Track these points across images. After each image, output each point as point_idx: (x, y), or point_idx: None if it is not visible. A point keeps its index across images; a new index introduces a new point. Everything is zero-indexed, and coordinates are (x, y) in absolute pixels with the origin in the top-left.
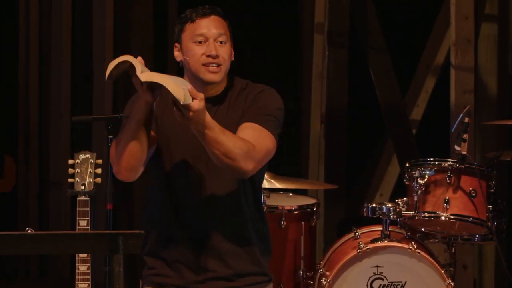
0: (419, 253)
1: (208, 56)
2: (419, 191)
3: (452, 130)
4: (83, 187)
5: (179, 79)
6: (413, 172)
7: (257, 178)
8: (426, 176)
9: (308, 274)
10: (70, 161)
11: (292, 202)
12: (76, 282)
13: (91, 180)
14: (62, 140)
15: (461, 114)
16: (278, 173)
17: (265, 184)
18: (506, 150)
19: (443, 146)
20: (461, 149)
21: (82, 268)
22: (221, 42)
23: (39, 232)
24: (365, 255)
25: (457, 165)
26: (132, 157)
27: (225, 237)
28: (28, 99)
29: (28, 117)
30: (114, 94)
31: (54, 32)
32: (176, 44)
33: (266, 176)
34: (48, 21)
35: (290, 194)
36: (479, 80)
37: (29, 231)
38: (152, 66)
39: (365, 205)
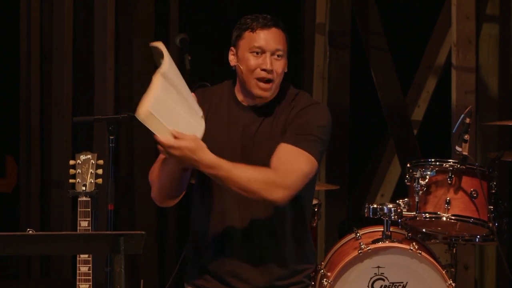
0: (420, 253)
1: (263, 70)
2: (420, 192)
3: (453, 131)
4: (84, 188)
5: (183, 97)
6: (414, 173)
7: (303, 194)
8: (427, 176)
9: None
10: (71, 162)
11: None
12: (77, 283)
13: (92, 181)
14: (64, 141)
15: (462, 115)
16: None
17: None
18: (507, 150)
19: (444, 146)
20: (462, 149)
21: (83, 268)
22: (278, 56)
23: (40, 232)
24: (366, 255)
25: (458, 165)
26: (174, 190)
27: (262, 251)
28: (29, 100)
29: (30, 118)
30: (116, 95)
31: (56, 32)
32: (232, 48)
33: None
34: (49, 21)
35: None
36: (480, 81)
37: (30, 231)
38: (153, 66)
39: (366, 205)
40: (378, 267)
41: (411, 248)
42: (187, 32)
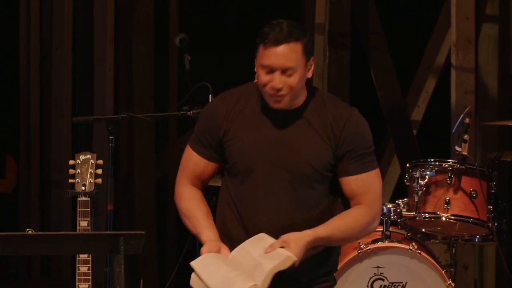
0: (419, 253)
1: (272, 88)
2: (420, 192)
3: (453, 131)
4: (83, 188)
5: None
6: (414, 173)
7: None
8: (427, 176)
9: None
10: (71, 162)
11: None
12: (77, 283)
13: (91, 181)
14: (63, 141)
15: (462, 115)
16: None
17: None
18: (506, 150)
19: (443, 146)
20: (461, 149)
21: (83, 268)
22: (289, 74)
23: (40, 232)
24: (366, 255)
25: (458, 165)
26: None
27: None
28: (29, 100)
29: (29, 118)
30: (115, 95)
31: (55, 32)
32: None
33: None
34: (49, 21)
35: None
36: (479, 81)
37: (30, 231)
38: (152, 66)
39: None
40: (378, 267)
41: (411, 248)
42: (187, 32)
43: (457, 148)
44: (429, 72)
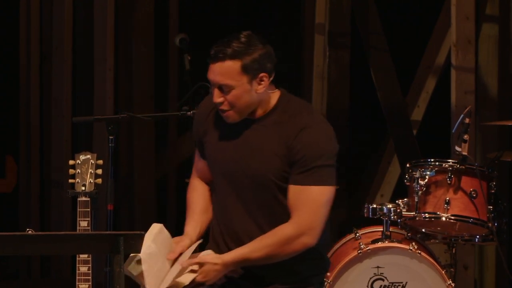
0: (419, 253)
1: (214, 102)
2: (420, 192)
3: (453, 131)
4: (83, 188)
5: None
6: (414, 173)
7: None
8: (427, 176)
9: None
10: (71, 162)
11: None
12: (77, 283)
13: (91, 181)
14: (63, 141)
15: (462, 115)
16: None
17: None
18: (506, 150)
19: (443, 146)
20: (461, 149)
21: (83, 268)
22: (225, 91)
23: (39, 232)
24: (366, 255)
25: (458, 165)
26: None
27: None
28: (29, 100)
29: (29, 118)
30: (115, 95)
31: (55, 32)
32: None
33: None
34: (49, 21)
35: None
36: (479, 81)
37: (30, 231)
38: (152, 66)
39: (366, 205)
40: (378, 267)
41: (411, 248)
42: (187, 32)
43: (457, 148)
44: (429, 72)
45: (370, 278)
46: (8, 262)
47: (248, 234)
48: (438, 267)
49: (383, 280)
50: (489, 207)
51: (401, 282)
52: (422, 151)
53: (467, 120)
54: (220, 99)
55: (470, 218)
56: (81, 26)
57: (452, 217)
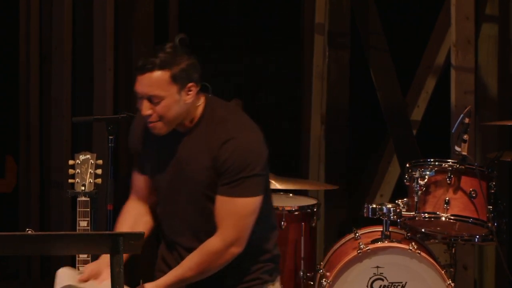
0: (419, 253)
1: (143, 114)
2: (420, 192)
3: (453, 131)
4: (83, 188)
5: None
6: (414, 173)
7: None
8: (427, 176)
9: (308, 274)
10: (71, 162)
11: (292, 203)
12: None
13: (91, 181)
14: (63, 141)
15: (462, 115)
16: (278, 173)
17: None
18: (506, 150)
19: (443, 146)
20: (461, 149)
21: (83, 268)
22: (155, 102)
23: (39, 232)
24: (366, 255)
25: (458, 165)
26: None
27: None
28: (29, 100)
29: (29, 118)
30: (115, 95)
31: (55, 32)
32: None
33: None
34: (49, 21)
35: (291, 194)
36: (479, 81)
37: (30, 231)
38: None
39: (366, 205)
40: (377, 267)
41: (410, 248)
42: (187, 32)
43: (457, 148)
44: (429, 72)
45: (370, 278)
46: (8, 262)
47: (189, 246)
48: (438, 267)
49: (382, 280)
50: (489, 207)
51: (401, 282)
52: (422, 151)
53: (467, 120)
54: (149, 111)
55: (469, 218)
56: (81, 26)
57: (452, 217)
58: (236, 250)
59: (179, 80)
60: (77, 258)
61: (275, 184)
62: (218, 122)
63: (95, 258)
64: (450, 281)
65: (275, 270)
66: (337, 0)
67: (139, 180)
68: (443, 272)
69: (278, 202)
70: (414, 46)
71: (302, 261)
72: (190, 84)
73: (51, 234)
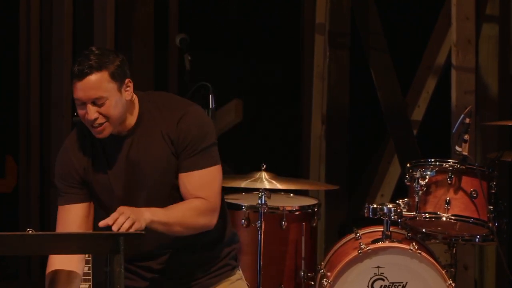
0: (420, 253)
1: (88, 120)
2: (420, 192)
3: (453, 131)
4: None
5: None
6: (414, 173)
7: None
8: (427, 176)
9: (309, 274)
10: None
11: (293, 203)
12: None
13: None
14: (63, 141)
15: (462, 115)
16: (279, 173)
17: (266, 185)
18: (507, 150)
19: (444, 146)
20: (462, 149)
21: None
22: (100, 104)
23: (40, 232)
24: (366, 255)
25: (458, 165)
26: None
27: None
28: (29, 100)
29: (29, 118)
30: None
31: (55, 31)
32: None
33: (267, 176)
34: (49, 21)
35: (291, 194)
36: (480, 81)
37: (30, 231)
38: (152, 69)
39: (366, 205)
40: (378, 267)
41: (411, 248)
42: (187, 32)
43: (458, 148)
44: (430, 72)
45: (371, 278)
46: (8, 262)
47: (158, 248)
48: (439, 267)
49: (383, 280)
50: (490, 207)
51: (402, 282)
52: (422, 151)
53: (467, 120)
54: (96, 115)
55: (470, 218)
56: (81, 25)
57: (453, 217)
58: (212, 220)
59: (117, 78)
60: None
61: (276, 184)
62: (161, 109)
63: (95, 258)
64: (451, 281)
65: (238, 254)
66: (337, 0)
67: (71, 214)
68: (443, 272)
69: (278, 202)
70: (414, 46)
71: (302, 261)
72: (127, 80)
73: (52, 234)
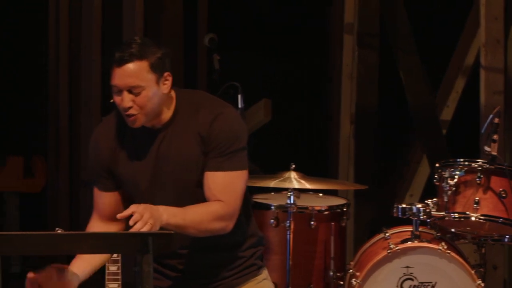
0: (449, 253)
1: (122, 108)
2: (449, 192)
3: (482, 131)
4: None
5: None
6: (443, 173)
7: None
8: (456, 176)
9: (338, 274)
10: None
11: (322, 203)
12: (106, 282)
13: None
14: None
15: (491, 115)
16: (308, 173)
17: (295, 185)
18: None
19: (473, 146)
20: (491, 149)
21: (112, 268)
22: (136, 93)
23: (69, 232)
24: (395, 255)
25: (487, 165)
26: None
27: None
28: (58, 99)
29: (58, 117)
30: None
31: (84, 31)
32: None
33: (296, 176)
34: (78, 21)
35: (320, 194)
36: (508, 81)
37: (59, 231)
38: (182, 69)
39: (395, 205)
40: (407, 267)
41: (440, 248)
42: (215, 32)
43: (486, 148)
44: (459, 72)
45: (400, 278)
46: (38, 262)
47: (187, 242)
48: (468, 267)
49: (412, 280)
50: None
51: (431, 282)
52: (452, 151)
53: (496, 120)
54: (130, 103)
55: (499, 218)
56: (110, 25)
57: (482, 217)
58: (229, 226)
59: (157, 69)
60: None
61: (304, 184)
62: (197, 107)
63: (124, 257)
64: (480, 281)
65: (263, 254)
66: (366, 1)
67: (103, 198)
68: (472, 272)
69: (307, 202)
70: (444, 46)
71: (332, 261)
72: (166, 74)
73: (81, 233)
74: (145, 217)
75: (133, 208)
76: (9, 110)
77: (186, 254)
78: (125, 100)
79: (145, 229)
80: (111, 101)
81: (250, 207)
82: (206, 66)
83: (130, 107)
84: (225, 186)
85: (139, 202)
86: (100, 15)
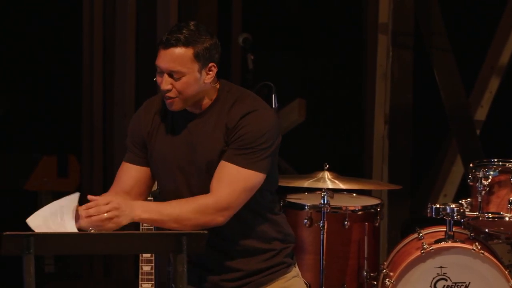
0: (483, 253)
1: (162, 89)
2: (483, 192)
3: None
4: None
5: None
6: (477, 173)
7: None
8: (490, 176)
9: (371, 274)
10: None
11: (355, 203)
12: (140, 282)
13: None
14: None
15: None
16: (341, 173)
17: (329, 185)
18: None
19: (507, 146)
20: None
21: (146, 268)
22: (176, 77)
23: (102, 232)
24: (429, 255)
25: None
26: None
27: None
28: (92, 99)
29: (92, 117)
30: None
31: (118, 31)
32: None
33: (329, 176)
34: (112, 21)
35: (354, 194)
36: None
37: (93, 231)
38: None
39: (429, 205)
40: (441, 267)
41: (474, 248)
42: (250, 32)
43: None
44: (493, 72)
45: (433, 278)
46: (70, 262)
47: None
48: (501, 267)
49: (446, 280)
50: None
51: (464, 282)
52: (485, 151)
53: None
54: (169, 86)
55: None
56: (144, 25)
57: None
58: (220, 219)
59: (201, 59)
60: (140, 258)
61: (338, 184)
62: (235, 101)
63: (158, 257)
64: None
65: (293, 252)
66: (401, 0)
67: (128, 171)
68: (506, 272)
69: (341, 202)
70: (477, 46)
71: (365, 261)
72: (211, 64)
73: (114, 233)
74: (104, 208)
75: (108, 198)
76: (43, 109)
77: (213, 252)
78: (165, 82)
79: (97, 218)
80: (154, 79)
81: (275, 202)
82: (240, 66)
83: (168, 90)
84: (227, 178)
85: (162, 183)
86: (134, 14)
